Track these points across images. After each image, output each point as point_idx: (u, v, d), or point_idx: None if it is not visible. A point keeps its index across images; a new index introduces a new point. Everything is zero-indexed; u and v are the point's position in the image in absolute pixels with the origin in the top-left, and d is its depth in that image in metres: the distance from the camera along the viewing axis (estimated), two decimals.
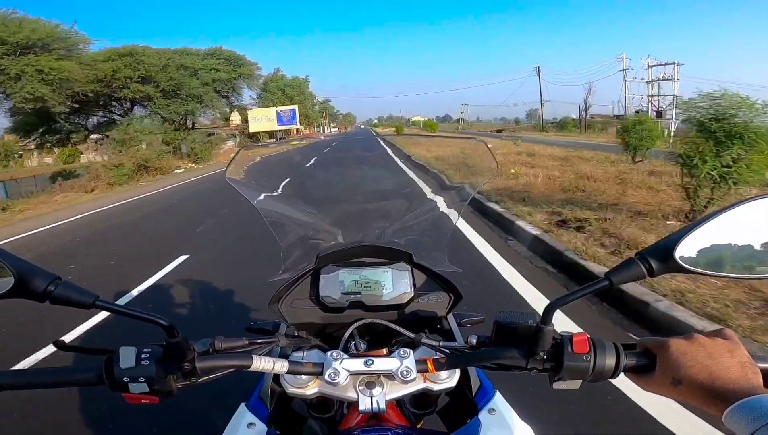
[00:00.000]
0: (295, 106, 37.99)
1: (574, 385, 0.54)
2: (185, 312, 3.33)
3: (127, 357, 0.51)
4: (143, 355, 0.51)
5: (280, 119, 36.61)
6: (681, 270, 0.49)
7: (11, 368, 0.53)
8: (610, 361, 0.51)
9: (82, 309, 0.47)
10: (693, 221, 0.50)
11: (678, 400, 0.49)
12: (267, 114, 36.89)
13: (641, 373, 0.52)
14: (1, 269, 0.44)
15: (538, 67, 54.30)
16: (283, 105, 38.38)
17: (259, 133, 36.03)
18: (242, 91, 31.07)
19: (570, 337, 0.52)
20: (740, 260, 0.50)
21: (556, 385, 0.55)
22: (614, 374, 0.52)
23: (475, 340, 0.60)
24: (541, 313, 0.51)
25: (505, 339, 0.56)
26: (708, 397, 0.44)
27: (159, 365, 0.51)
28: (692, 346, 0.47)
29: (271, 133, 36.83)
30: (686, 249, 0.48)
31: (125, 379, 0.50)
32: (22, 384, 0.51)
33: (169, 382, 0.52)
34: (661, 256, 0.49)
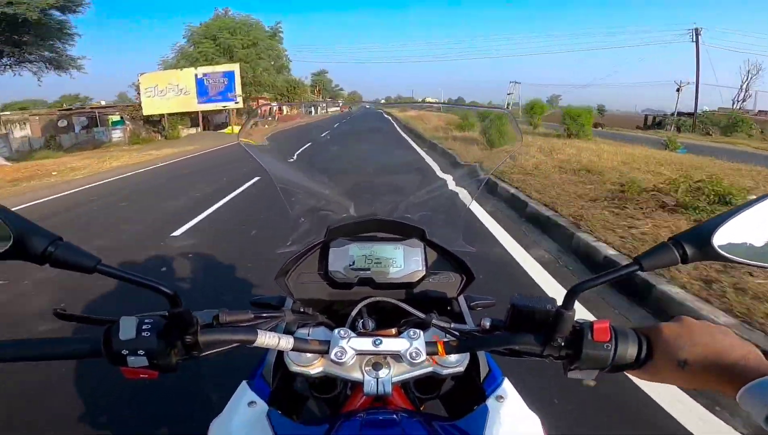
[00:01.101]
0: (234, 67, 21.38)
1: (591, 374, 0.52)
2: None
3: (127, 328, 0.49)
4: (144, 326, 0.49)
5: (202, 91, 20.96)
6: (718, 257, 0.46)
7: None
8: (632, 351, 0.49)
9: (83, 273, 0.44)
10: (732, 208, 0.47)
11: (683, 386, 0.48)
12: (177, 80, 20.70)
13: (641, 362, 0.50)
14: (1, 227, 0.41)
15: (696, 30, 28.89)
16: (213, 64, 21.77)
17: (163, 116, 20.86)
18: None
19: (590, 324, 0.50)
20: None
21: (572, 374, 0.53)
22: (634, 365, 0.50)
23: (488, 324, 0.57)
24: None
25: (520, 323, 0.54)
26: (718, 377, 0.43)
27: (160, 337, 0.49)
28: (686, 328, 0.47)
29: (195, 116, 21.18)
30: (725, 236, 0.45)
31: (124, 352, 0.48)
32: (12, 356, 0.49)
33: (170, 356, 0.50)
34: (698, 241, 0.46)
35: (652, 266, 0.46)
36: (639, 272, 0.47)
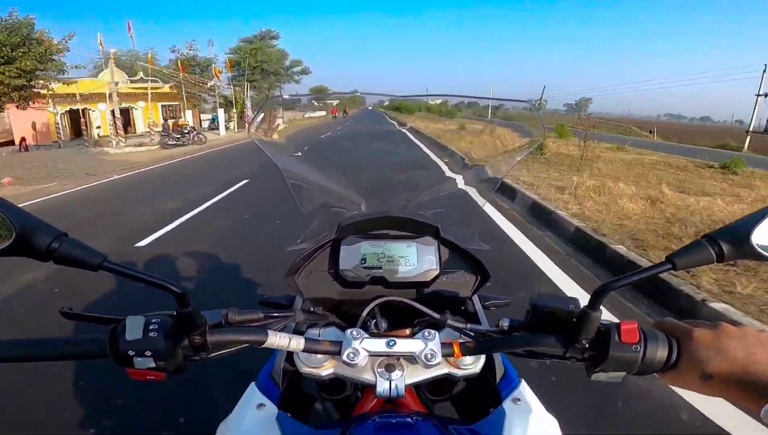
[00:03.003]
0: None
1: (617, 377, 0.50)
2: None
3: (134, 328, 0.47)
4: (151, 326, 0.48)
5: None
6: (757, 256, 0.43)
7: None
8: (662, 353, 0.46)
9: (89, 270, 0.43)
10: None
11: (706, 394, 0.45)
12: None
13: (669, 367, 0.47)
14: (1, 222, 0.40)
15: None
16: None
17: None
18: None
19: (617, 326, 0.48)
20: None
21: (596, 377, 0.50)
22: (664, 368, 0.47)
23: (506, 324, 0.55)
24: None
25: (540, 324, 0.51)
26: (743, 392, 0.41)
27: (167, 338, 0.48)
28: (721, 337, 0.44)
29: None
30: (765, 233, 0.43)
31: (130, 353, 0.47)
32: (17, 356, 0.48)
33: (178, 357, 0.49)
34: (735, 239, 0.43)
35: (685, 265, 0.44)
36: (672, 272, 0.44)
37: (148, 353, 0.47)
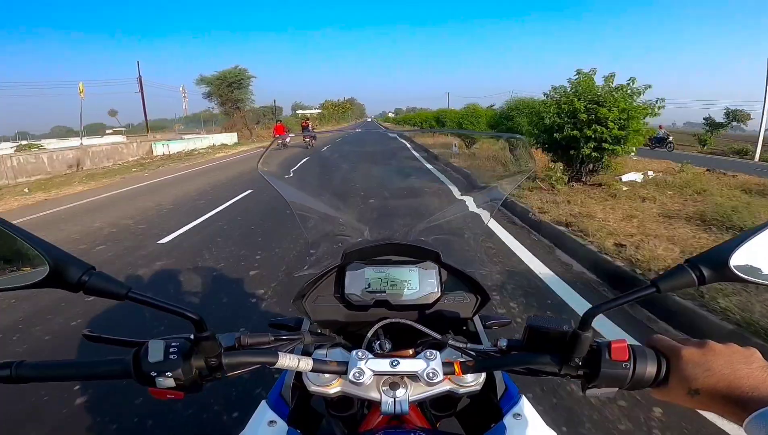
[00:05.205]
0: None
1: (610, 392, 0.52)
2: None
3: (155, 350, 0.51)
4: (171, 349, 0.51)
5: None
6: (736, 279, 0.45)
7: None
8: (651, 370, 0.49)
9: (116, 300, 0.46)
10: (749, 229, 0.46)
11: (693, 408, 0.47)
12: None
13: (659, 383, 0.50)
14: (36, 257, 0.44)
15: None
16: None
17: None
18: None
19: (608, 344, 0.50)
20: None
21: (590, 392, 0.53)
22: (653, 383, 0.49)
23: (504, 344, 0.58)
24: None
25: (537, 343, 0.54)
26: (727, 405, 0.43)
27: (186, 359, 0.51)
28: (707, 355, 0.46)
29: None
30: (743, 257, 0.45)
31: (153, 374, 0.50)
32: (49, 376, 0.52)
33: (195, 377, 0.52)
34: (715, 263, 0.46)
35: (668, 288, 0.46)
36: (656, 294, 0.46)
37: (169, 374, 0.50)
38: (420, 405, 0.70)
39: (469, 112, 15.42)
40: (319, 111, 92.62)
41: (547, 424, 0.60)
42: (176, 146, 19.89)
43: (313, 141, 9.00)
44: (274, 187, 0.84)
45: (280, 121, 23.61)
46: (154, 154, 17.95)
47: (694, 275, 0.46)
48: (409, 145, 16.85)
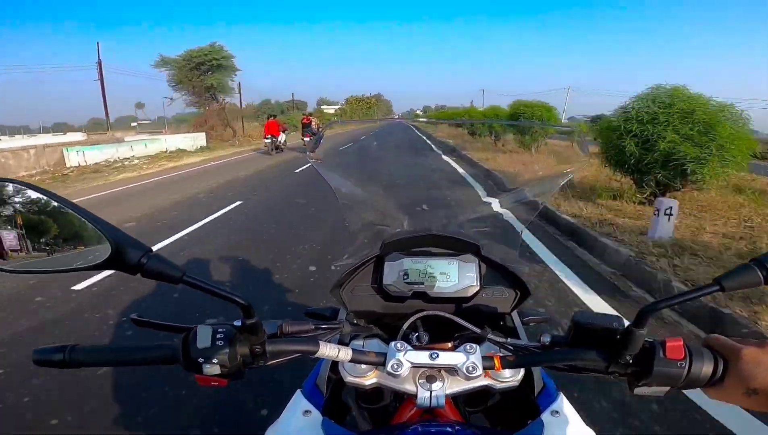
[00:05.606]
0: None
1: (660, 391, 0.51)
2: None
3: (203, 336, 0.51)
4: (218, 335, 0.51)
5: None
6: None
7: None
8: (707, 369, 0.48)
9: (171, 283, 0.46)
10: None
11: (748, 408, 0.46)
12: None
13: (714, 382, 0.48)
14: (100, 238, 0.44)
15: None
16: None
17: None
18: None
19: (663, 342, 0.49)
20: None
21: (638, 391, 0.52)
22: (708, 383, 0.48)
23: (548, 340, 0.57)
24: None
25: (582, 340, 0.53)
26: None
27: (232, 346, 0.51)
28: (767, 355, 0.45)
29: None
30: None
31: (200, 360, 0.50)
32: (101, 361, 0.53)
33: (239, 364, 0.52)
34: None
35: (733, 287, 0.45)
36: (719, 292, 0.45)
37: (215, 361, 0.50)
38: (453, 399, 0.70)
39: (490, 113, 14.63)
40: (339, 107, 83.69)
41: (586, 423, 0.59)
42: (94, 154, 12.15)
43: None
44: (321, 174, 0.84)
45: (275, 116, 16.50)
46: (68, 164, 11.23)
47: (760, 274, 0.44)
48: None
